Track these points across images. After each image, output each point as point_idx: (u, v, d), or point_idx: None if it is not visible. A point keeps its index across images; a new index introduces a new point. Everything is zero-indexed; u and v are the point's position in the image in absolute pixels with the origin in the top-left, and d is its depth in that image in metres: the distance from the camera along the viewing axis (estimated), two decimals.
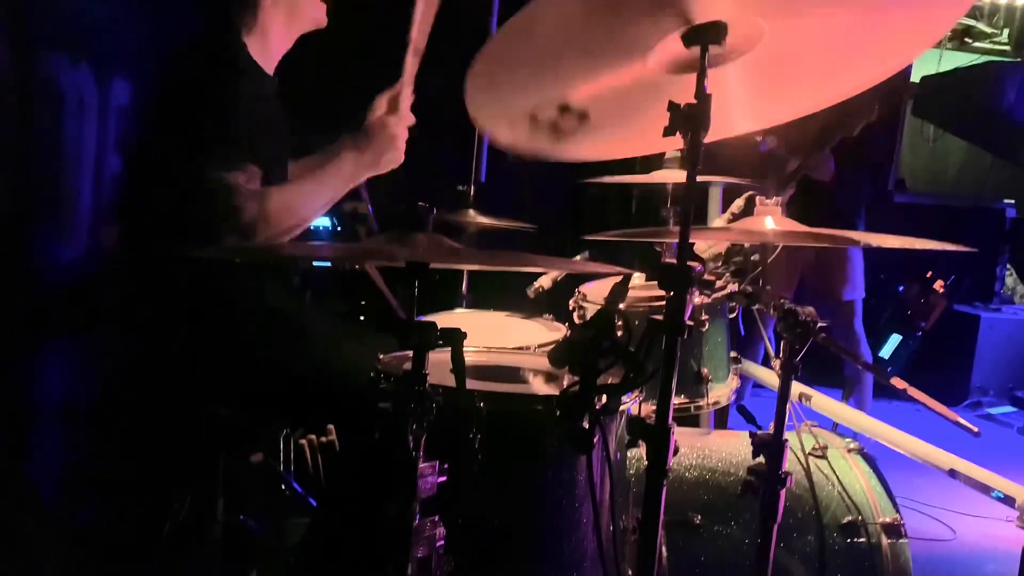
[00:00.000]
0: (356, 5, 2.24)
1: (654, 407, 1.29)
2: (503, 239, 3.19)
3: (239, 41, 2.08)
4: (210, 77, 2.01)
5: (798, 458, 2.06)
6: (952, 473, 2.61)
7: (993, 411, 5.51)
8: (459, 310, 2.74)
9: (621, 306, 1.36)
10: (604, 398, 1.33)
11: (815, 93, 1.52)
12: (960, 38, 6.68)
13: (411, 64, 2.09)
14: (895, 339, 5.62)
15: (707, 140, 1.29)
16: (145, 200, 2.10)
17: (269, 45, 2.14)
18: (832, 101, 1.50)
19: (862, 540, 2.03)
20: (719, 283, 2.13)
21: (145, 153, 2.13)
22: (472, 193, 3.06)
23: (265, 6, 2.08)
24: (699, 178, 1.31)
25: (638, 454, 1.86)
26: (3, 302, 2.33)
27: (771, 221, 1.76)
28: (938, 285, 5.61)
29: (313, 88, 2.30)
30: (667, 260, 1.29)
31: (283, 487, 2.23)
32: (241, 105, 1.98)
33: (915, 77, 5.72)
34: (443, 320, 1.43)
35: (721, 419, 2.97)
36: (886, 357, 5.60)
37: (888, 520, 2.06)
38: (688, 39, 1.31)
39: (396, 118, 2.11)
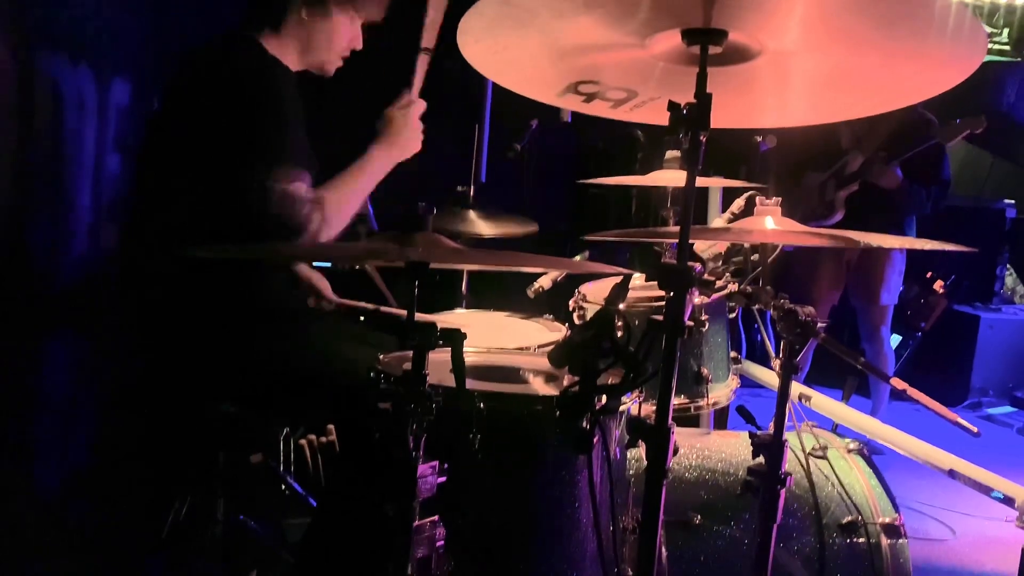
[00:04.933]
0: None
1: (654, 407, 1.29)
2: (503, 239, 3.19)
3: (260, 42, 2.08)
4: (250, 82, 2.00)
5: (798, 458, 2.06)
6: (952, 473, 2.60)
7: (993, 411, 5.50)
8: (459, 310, 2.74)
9: (621, 306, 1.37)
10: (604, 398, 1.33)
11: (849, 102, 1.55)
12: None
13: (422, 63, 2.22)
14: (895, 339, 5.61)
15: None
16: (169, 205, 2.06)
17: (289, 59, 2.13)
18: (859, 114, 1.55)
19: (862, 540, 2.03)
20: (719, 283, 2.12)
21: (172, 158, 2.07)
22: (472, 193, 3.06)
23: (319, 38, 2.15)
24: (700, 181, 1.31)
25: (638, 454, 1.86)
26: (3, 302, 2.33)
27: (771, 221, 1.76)
28: (938, 285, 5.60)
29: (327, 90, 2.33)
30: (667, 260, 1.29)
31: (283, 487, 2.23)
32: (288, 109, 2.00)
33: None
34: (443, 320, 1.42)
35: (721, 419, 2.97)
36: None
37: (888, 520, 2.06)
38: (688, 38, 1.31)
39: (414, 107, 2.20)
